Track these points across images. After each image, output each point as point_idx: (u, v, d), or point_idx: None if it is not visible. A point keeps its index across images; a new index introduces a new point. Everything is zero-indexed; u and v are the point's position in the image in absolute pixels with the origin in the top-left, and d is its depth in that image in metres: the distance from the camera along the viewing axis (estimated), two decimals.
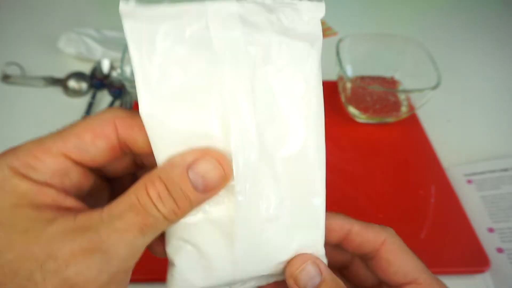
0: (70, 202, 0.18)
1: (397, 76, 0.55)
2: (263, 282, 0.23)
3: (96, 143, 0.19)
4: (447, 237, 0.39)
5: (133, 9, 0.19)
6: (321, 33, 0.21)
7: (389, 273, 0.23)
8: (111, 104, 0.55)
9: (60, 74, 0.59)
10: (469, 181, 0.45)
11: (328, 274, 0.21)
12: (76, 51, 0.62)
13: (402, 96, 0.52)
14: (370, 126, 0.51)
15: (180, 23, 0.18)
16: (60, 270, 0.16)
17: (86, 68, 0.60)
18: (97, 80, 0.58)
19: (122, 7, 0.19)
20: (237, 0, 0.19)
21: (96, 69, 0.60)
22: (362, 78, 0.56)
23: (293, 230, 0.21)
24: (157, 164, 0.19)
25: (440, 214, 0.41)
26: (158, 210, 0.17)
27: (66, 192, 0.19)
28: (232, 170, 0.18)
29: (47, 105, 0.56)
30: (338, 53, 0.50)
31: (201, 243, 0.20)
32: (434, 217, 0.41)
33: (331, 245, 0.23)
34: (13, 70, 0.59)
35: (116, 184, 0.22)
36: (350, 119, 0.52)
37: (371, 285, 0.25)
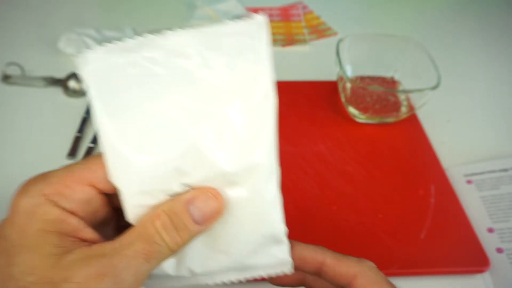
0: (88, 233, 0.20)
1: (397, 76, 0.56)
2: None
3: None
4: (446, 237, 0.39)
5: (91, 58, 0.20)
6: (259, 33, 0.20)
7: None
8: None
9: (61, 74, 0.59)
10: (469, 181, 0.45)
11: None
12: (77, 51, 0.62)
13: (402, 96, 0.52)
14: (370, 126, 0.51)
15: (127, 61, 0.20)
16: None
17: None
18: None
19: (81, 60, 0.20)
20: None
21: None
22: (362, 78, 0.56)
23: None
24: (123, 203, 0.21)
25: (440, 214, 0.41)
26: (163, 239, 0.20)
27: (86, 220, 0.20)
28: (223, 204, 0.21)
29: (47, 105, 0.56)
30: (338, 53, 0.50)
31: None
32: (434, 217, 0.41)
33: (311, 274, 0.24)
34: (13, 70, 0.59)
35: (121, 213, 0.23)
36: (350, 119, 0.52)
37: None
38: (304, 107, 0.53)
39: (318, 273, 0.24)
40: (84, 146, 0.49)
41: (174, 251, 0.20)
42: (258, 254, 0.23)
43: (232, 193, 0.21)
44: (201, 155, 0.20)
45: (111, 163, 0.20)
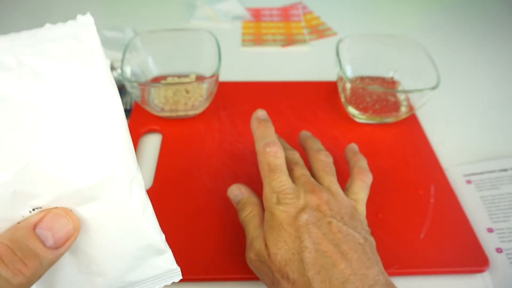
0: None
1: (397, 76, 0.56)
2: None
3: None
4: (446, 237, 0.39)
5: None
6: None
7: None
8: None
9: None
10: (469, 181, 0.45)
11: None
12: None
13: (401, 96, 0.52)
14: (370, 126, 0.51)
15: None
16: None
17: None
18: None
19: None
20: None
21: None
22: (362, 78, 0.56)
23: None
24: None
25: (439, 214, 0.41)
26: (2, 277, 0.16)
27: None
28: (78, 222, 0.18)
29: None
30: (337, 53, 0.50)
31: None
32: (433, 217, 0.41)
33: None
34: None
35: None
36: (349, 119, 0.52)
37: None
38: (304, 107, 0.53)
39: None
40: None
41: (22, 285, 0.17)
42: (140, 268, 0.21)
43: (92, 209, 0.19)
44: (44, 174, 0.18)
45: None
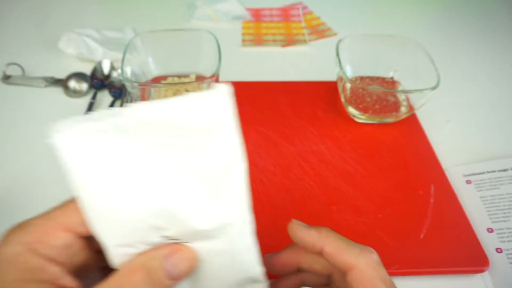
0: (67, 280, 0.20)
1: (397, 76, 0.56)
2: None
3: None
4: (446, 237, 0.39)
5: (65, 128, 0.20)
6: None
7: None
8: (112, 104, 0.55)
9: (61, 74, 0.59)
10: (468, 181, 0.45)
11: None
12: (77, 52, 0.62)
13: (401, 96, 0.52)
14: (370, 126, 0.51)
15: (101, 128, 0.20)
16: None
17: (87, 69, 0.60)
18: (98, 81, 0.58)
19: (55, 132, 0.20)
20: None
21: (97, 69, 0.60)
22: (362, 78, 0.56)
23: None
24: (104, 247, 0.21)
25: (439, 214, 0.41)
26: None
27: (66, 265, 0.20)
28: (197, 261, 0.22)
29: (48, 106, 0.56)
30: (337, 54, 0.50)
31: None
32: (433, 217, 0.41)
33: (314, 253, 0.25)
34: (13, 70, 0.60)
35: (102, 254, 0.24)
36: (349, 119, 0.52)
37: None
38: (304, 107, 0.53)
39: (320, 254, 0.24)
40: None
41: None
42: None
43: (209, 245, 0.22)
44: (174, 216, 0.21)
45: (91, 217, 0.20)
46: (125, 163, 0.20)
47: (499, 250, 0.39)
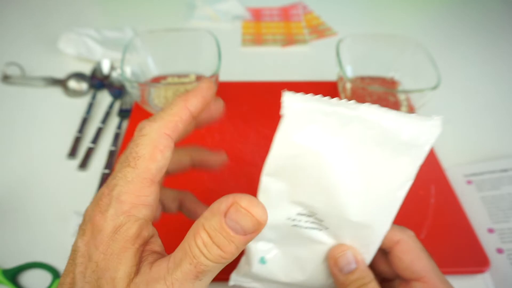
0: (157, 245, 0.22)
1: (397, 76, 0.56)
2: None
3: (167, 153, 0.22)
4: (447, 238, 0.39)
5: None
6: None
7: (399, 269, 0.26)
8: (111, 105, 0.55)
9: (60, 74, 0.59)
10: (469, 182, 0.45)
11: (362, 265, 0.26)
12: (76, 52, 0.62)
13: (402, 96, 0.52)
14: None
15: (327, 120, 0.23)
16: None
17: (86, 69, 0.60)
18: (97, 81, 0.58)
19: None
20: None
21: (96, 69, 0.60)
22: (362, 78, 0.56)
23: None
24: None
25: (440, 214, 0.41)
26: (206, 258, 0.19)
27: (153, 217, 0.22)
28: (265, 214, 0.20)
29: (47, 106, 0.56)
30: (338, 53, 0.50)
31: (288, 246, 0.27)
32: (434, 218, 0.41)
33: None
34: (13, 71, 0.59)
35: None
36: None
37: (389, 276, 0.28)
38: None
39: None
40: (84, 146, 0.49)
41: (224, 263, 0.20)
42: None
43: (339, 234, 0.25)
44: (334, 198, 0.24)
45: (274, 167, 0.24)
46: (327, 142, 0.23)
47: (500, 251, 0.39)
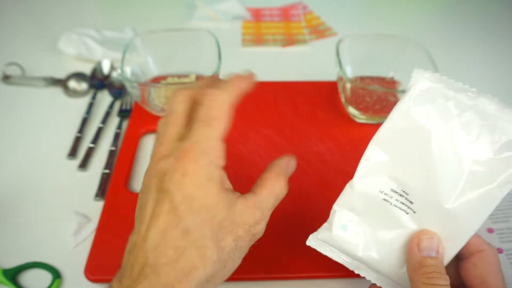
0: (229, 185, 0.27)
1: (397, 76, 0.56)
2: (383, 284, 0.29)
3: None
4: None
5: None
6: None
7: (470, 275, 0.27)
8: (111, 105, 0.55)
9: (61, 74, 0.59)
10: None
11: (441, 257, 0.27)
12: (77, 52, 0.62)
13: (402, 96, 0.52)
14: (370, 126, 0.51)
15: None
16: (250, 230, 0.27)
17: (87, 69, 0.60)
18: (98, 81, 0.58)
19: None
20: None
21: (97, 69, 0.60)
22: (362, 78, 0.56)
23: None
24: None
25: None
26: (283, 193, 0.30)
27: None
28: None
29: (48, 106, 0.56)
30: (338, 53, 0.50)
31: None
32: None
33: None
34: (13, 71, 0.60)
35: None
36: (350, 120, 0.52)
37: (453, 284, 0.28)
38: (304, 107, 0.53)
39: None
40: (84, 146, 0.49)
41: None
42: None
43: (424, 221, 0.26)
44: (433, 182, 0.25)
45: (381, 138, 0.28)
46: (440, 124, 0.24)
47: (499, 251, 0.39)
